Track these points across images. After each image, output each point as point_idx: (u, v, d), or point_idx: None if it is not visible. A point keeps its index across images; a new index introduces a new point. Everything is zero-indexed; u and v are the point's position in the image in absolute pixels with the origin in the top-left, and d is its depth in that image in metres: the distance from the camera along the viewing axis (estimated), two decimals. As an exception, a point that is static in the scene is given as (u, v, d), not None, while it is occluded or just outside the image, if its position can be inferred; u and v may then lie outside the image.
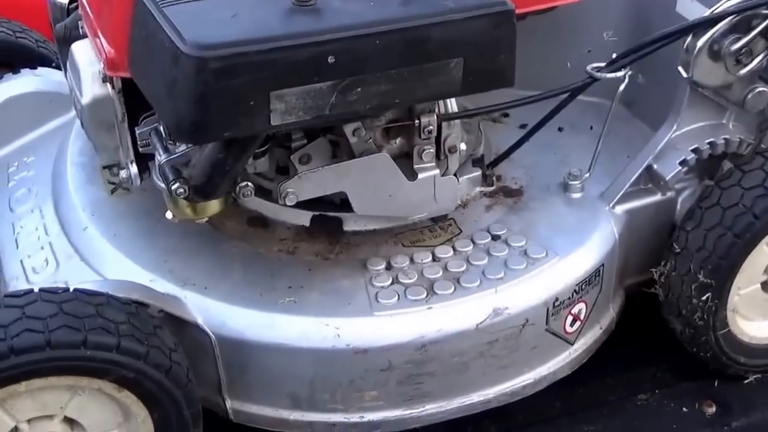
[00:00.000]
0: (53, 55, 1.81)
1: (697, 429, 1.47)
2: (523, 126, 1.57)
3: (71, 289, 1.13)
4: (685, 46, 1.35)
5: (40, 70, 1.72)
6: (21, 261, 1.38)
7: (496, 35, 1.10)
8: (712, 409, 1.50)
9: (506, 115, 1.66)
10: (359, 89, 1.05)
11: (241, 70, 0.99)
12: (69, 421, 1.16)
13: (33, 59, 1.78)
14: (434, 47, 1.07)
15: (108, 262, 1.33)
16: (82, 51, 1.25)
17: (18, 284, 1.34)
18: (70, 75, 1.30)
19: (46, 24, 1.75)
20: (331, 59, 1.02)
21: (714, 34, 1.33)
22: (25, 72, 1.70)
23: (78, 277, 1.29)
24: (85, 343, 1.07)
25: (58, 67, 1.68)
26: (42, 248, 1.39)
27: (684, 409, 1.50)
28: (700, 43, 1.33)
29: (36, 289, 1.12)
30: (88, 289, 1.15)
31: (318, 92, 1.04)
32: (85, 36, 1.30)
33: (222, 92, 0.99)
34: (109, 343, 1.08)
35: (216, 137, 1.07)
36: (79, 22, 1.34)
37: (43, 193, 1.50)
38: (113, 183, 1.44)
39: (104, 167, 1.42)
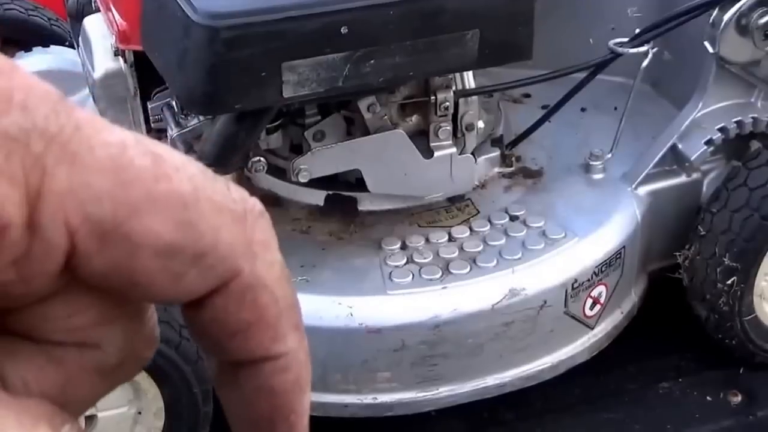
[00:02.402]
0: (66, 33, 1.86)
1: (721, 418, 1.48)
2: (544, 107, 1.59)
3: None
4: (711, 20, 1.36)
5: (53, 48, 1.77)
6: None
7: (514, 6, 1.13)
8: (738, 399, 1.50)
9: (528, 96, 1.68)
10: (373, 61, 1.08)
11: (252, 40, 1.02)
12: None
13: (45, 38, 1.82)
14: (450, 18, 1.10)
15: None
16: (95, 25, 1.30)
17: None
18: (83, 50, 1.35)
19: (58, 2, 1.80)
20: (344, 30, 1.05)
21: (741, 7, 1.34)
22: (37, 50, 1.75)
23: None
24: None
25: (71, 46, 1.72)
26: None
27: (708, 398, 1.51)
28: (726, 16, 1.34)
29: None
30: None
31: (331, 64, 1.07)
32: (97, 11, 1.34)
33: (233, 62, 1.02)
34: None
35: (227, 109, 1.10)
36: (92, -4, 1.39)
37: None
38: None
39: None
